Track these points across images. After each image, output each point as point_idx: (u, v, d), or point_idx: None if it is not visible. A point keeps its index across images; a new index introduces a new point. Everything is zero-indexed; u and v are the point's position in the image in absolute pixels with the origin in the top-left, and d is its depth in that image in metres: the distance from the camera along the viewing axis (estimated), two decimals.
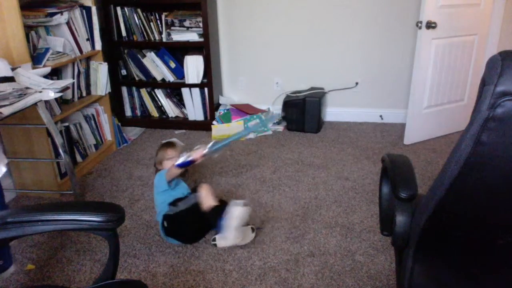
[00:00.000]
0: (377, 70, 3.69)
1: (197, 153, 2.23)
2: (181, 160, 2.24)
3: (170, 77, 3.71)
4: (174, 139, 2.57)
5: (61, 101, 2.85)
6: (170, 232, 2.21)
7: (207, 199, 2.19)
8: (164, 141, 2.51)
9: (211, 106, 3.72)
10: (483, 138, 1.00)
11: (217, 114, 3.74)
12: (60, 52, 2.69)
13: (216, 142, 2.26)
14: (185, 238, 2.22)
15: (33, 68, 2.47)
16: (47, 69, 2.48)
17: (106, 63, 3.16)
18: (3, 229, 1.13)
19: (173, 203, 2.28)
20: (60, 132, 2.72)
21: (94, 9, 3.04)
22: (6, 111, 2.02)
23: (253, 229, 2.23)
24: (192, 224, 2.21)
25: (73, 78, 2.92)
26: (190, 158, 2.23)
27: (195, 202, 2.22)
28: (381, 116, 3.81)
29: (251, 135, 3.55)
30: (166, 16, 3.55)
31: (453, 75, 3.29)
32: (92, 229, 1.20)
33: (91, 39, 3.07)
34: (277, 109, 3.83)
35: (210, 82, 3.64)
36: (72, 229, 1.18)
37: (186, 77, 3.64)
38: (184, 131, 3.76)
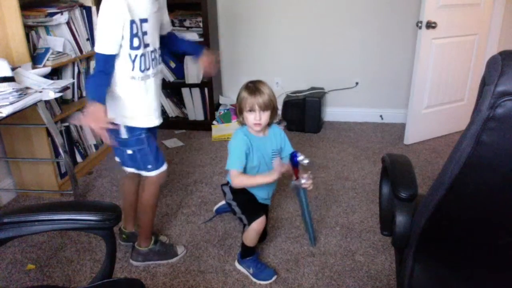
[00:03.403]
0: (377, 70, 3.69)
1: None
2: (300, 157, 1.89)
3: (170, 77, 3.71)
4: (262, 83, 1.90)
5: (61, 101, 2.84)
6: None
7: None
8: (250, 82, 1.91)
9: (211, 106, 3.72)
10: (483, 138, 1.00)
11: (217, 114, 3.73)
12: (60, 52, 2.69)
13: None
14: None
15: (33, 68, 2.47)
16: (47, 69, 2.48)
17: None
18: (0, 229, 1.13)
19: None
20: (60, 132, 2.72)
21: (94, 9, 3.03)
22: (6, 111, 2.03)
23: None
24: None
25: (73, 78, 2.92)
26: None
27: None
28: (381, 116, 3.81)
29: None
30: None
31: (453, 75, 3.29)
32: (89, 228, 1.20)
33: (91, 39, 3.07)
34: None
35: (210, 82, 3.63)
36: (69, 228, 1.18)
37: (186, 77, 3.64)
38: (184, 131, 3.76)
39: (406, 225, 1.27)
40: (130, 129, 1.85)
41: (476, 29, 3.23)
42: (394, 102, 3.75)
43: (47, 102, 2.47)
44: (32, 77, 2.34)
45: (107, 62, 1.72)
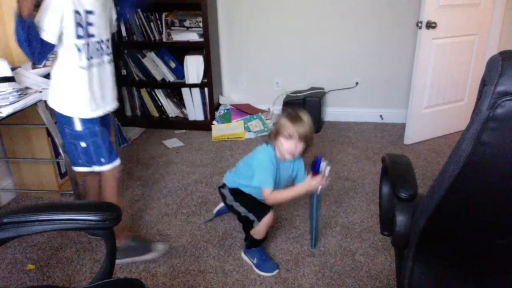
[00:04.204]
0: (377, 70, 3.69)
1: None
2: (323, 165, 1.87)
3: (170, 77, 3.71)
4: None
5: None
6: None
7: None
8: (292, 109, 1.97)
9: (211, 106, 3.72)
10: (483, 138, 1.00)
11: (217, 114, 3.74)
12: None
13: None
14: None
15: (33, 68, 2.47)
16: (47, 69, 2.48)
17: None
18: (0, 229, 1.13)
19: (241, 196, 2.03)
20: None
21: None
22: (6, 111, 2.03)
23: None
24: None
25: None
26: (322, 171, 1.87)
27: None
28: (381, 116, 3.81)
29: (252, 135, 3.55)
30: (166, 16, 3.55)
31: (453, 75, 3.29)
32: (89, 228, 1.20)
33: None
34: (277, 109, 3.83)
35: (210, 82, 3.63)
36: (69, 228, 1.18)
37: (186, 77, 3.64)
38: (184, 131, 3.76)
39: (406, 225, 1.27)
40: (84, 121, 1.90)
41: (476, 29, 3.23)
42: (394, 102, 3.75)
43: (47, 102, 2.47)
44: (32, 77, 2.34)
45: (45, 47, 1.77)
